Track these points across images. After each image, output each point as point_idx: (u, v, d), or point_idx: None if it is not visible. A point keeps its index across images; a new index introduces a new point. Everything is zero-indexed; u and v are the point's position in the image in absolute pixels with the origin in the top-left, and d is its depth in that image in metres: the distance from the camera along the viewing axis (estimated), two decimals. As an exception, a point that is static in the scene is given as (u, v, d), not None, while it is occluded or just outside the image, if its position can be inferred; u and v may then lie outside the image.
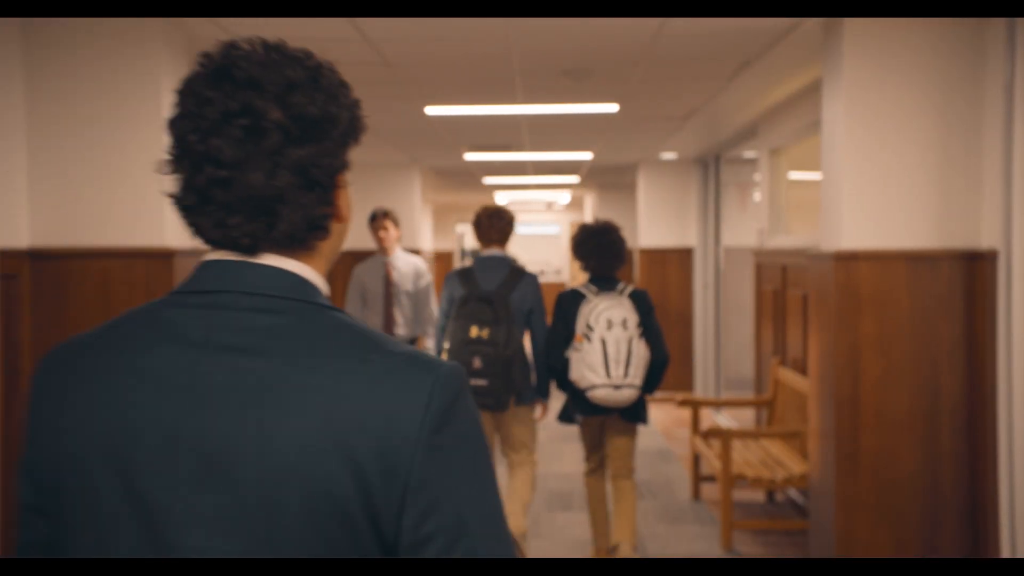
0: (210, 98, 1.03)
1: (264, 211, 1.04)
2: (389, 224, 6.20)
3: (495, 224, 4.80)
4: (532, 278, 4.69)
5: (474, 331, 4.39)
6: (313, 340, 1.03)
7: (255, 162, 1.02)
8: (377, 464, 0.98)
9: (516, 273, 4.65)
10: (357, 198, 9.98)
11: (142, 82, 3.98)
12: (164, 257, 3.99)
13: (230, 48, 1.06)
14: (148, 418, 1.01)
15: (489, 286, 4.56)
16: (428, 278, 6.29)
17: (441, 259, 20.31)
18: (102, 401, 1.03)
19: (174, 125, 1.06)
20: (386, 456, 0.98)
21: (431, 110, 6.47)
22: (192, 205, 1.06)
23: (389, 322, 6.20)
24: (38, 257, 3.97)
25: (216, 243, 1.08)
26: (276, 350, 1.01)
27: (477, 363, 4.35)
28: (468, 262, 5.44)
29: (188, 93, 1.05)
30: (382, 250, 6.23)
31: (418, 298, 6.24)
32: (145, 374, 1.02)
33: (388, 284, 6.17)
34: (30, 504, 1.10)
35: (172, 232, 4.06)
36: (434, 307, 6.17)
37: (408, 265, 6.27)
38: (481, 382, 4.36)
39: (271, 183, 1.03)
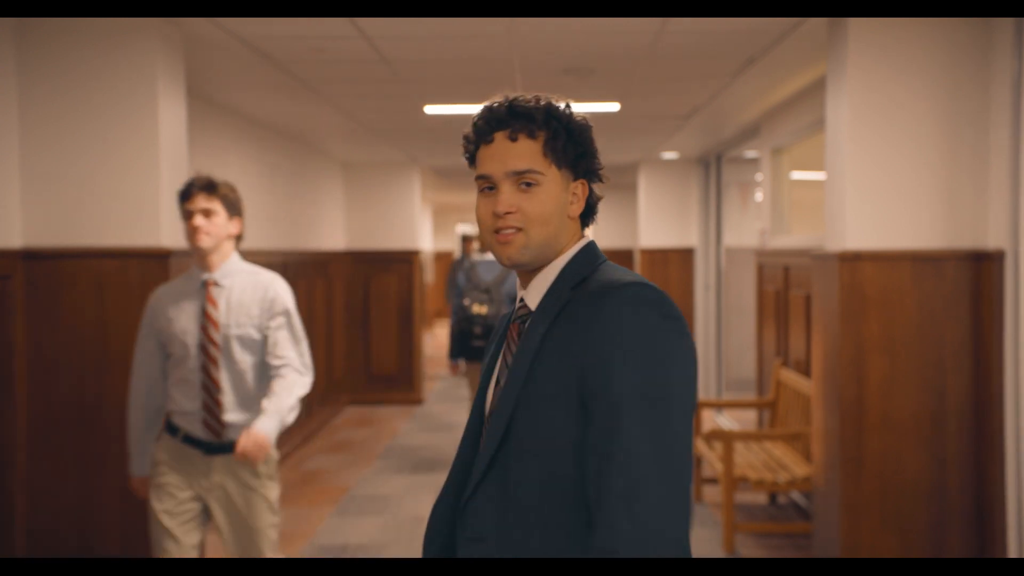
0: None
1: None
2: (213, 203, 3.19)
3: None
4: (515, 275, 5.02)
5: (476, 308, 6.22)
6: None
7: None
8: None
9: (505, 271, 6.08)
10: (355, 198, 9.94)
11: (138, 82, 3.93)
12: (160, 258, 3.93)
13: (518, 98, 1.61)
14: None
15: (487, 279, 6.28)
16: (283, 304, 3.28)
17: (441, 259, 20.27)
18: None
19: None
20: None
21: (431, 109, 6.42)
22: None
23: (210, 393, 3.19)
24: (31, 257, 3.92)
25: None
26: None
27: (478, 329, 6.18)
28: (477, 258, 6.77)
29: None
30: (196, 254, 3.24)
31: (271, 346, 3.25)
32: None
33: (205, 324, 3.20)
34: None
35: (168, 233, 4.01)
36: (305, 346, 3.33)
37: (250, 287, 3.27)
38: (480, 343, 6.18)
39: None
